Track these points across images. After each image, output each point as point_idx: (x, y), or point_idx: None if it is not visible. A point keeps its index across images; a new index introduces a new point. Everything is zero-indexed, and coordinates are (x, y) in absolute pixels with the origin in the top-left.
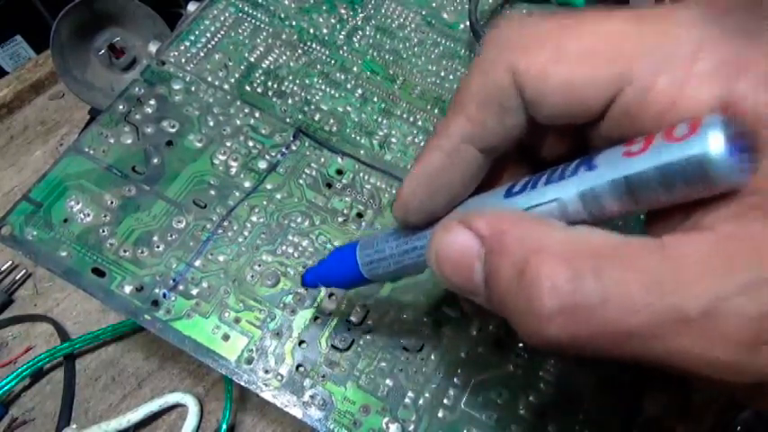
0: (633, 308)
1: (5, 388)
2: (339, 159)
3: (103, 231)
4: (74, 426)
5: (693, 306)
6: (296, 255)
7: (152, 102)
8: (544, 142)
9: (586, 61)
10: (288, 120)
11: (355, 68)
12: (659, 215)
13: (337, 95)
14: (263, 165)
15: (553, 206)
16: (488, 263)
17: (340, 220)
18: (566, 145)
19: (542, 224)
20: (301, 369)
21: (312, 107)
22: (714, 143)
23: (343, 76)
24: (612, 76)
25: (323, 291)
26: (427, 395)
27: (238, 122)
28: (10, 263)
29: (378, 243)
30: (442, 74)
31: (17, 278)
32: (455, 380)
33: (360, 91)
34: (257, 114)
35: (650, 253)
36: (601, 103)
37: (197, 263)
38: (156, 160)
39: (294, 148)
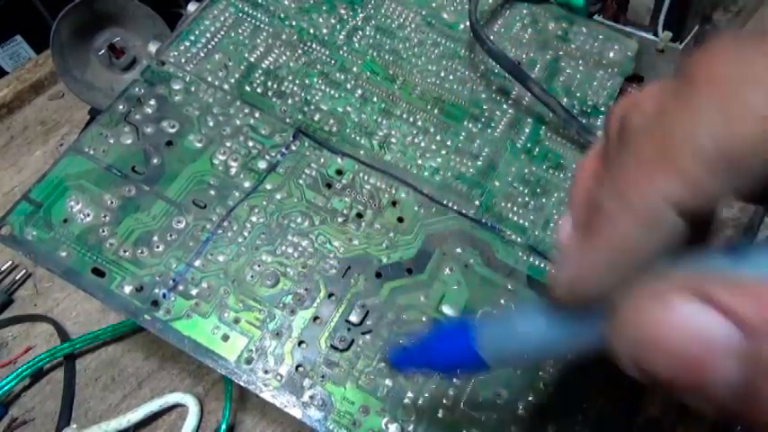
0: None
1: (5, 388)
2: (339, 159)
3: (103, 231)
4: (74, 426)
5: None
6: (296, 255)
7: (152, 102)
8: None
9: None
10: (288, 120)
11: (355, 69)
12: None
13: (337, 96)
14: (262, 165)
15: None
16: (759, 364)
17: (340, 220)
18: None
19: None
20: (301, 369)
21: (312, 107)
22: None
23: (342, 77)
24: None
25: (323, 291)
26: (427, 395)
27: (238, 122)
28: (10, 263)
29: (515, 325)
30: (442, 74)
31: (17, 278)
32: (454, 380)
33: (360, 91)
34: (257, 114)
35: None
36: None
37: (197, 263)
38: (155, 160)
39: (294, 148)
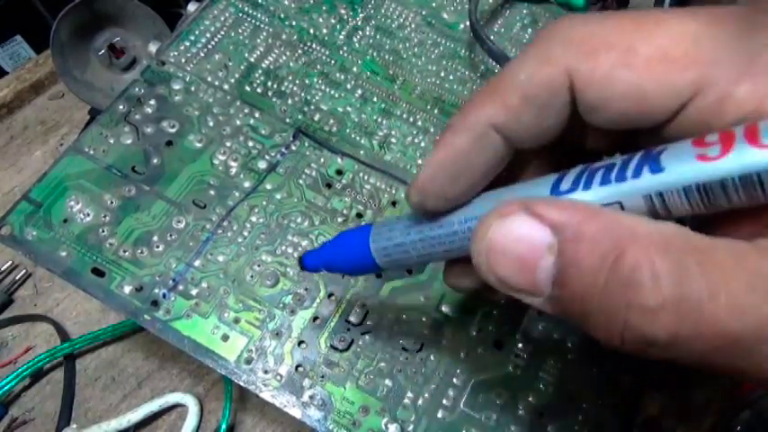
0: (742, 308)
1: (5, 388)
2: (339, 159)
3: (103, 231)
4: (74, 426)
5: None
6: (295, 255)
7: (152, 102)
8: (581, 138)
9: (658, 66)
10: (287, 120)
11: (355, 69)
12: (726, 219)
13: (337, 96)
14: (262, 165)
15: (616, 208)
16: (566, 255)
17: (340, 220)
18: (608, 141)
19: (626, 214)
20: (300, 369)
21: (312, 107)
22: None
23: (342, 77)
24: (687, 82)
25: (322, 291)
26: (426, 395)
27: (238, 122)
28: (10, 263)
29: (394, 229)
30: (442, 74)
31: (17, 278)
32: (454, 380)
33: (360, 91)
34: (257, 114)
35: (749, 252)
36: (671, 110)
37: (196, 263)
38: (155, 160)
39: (294, 148)
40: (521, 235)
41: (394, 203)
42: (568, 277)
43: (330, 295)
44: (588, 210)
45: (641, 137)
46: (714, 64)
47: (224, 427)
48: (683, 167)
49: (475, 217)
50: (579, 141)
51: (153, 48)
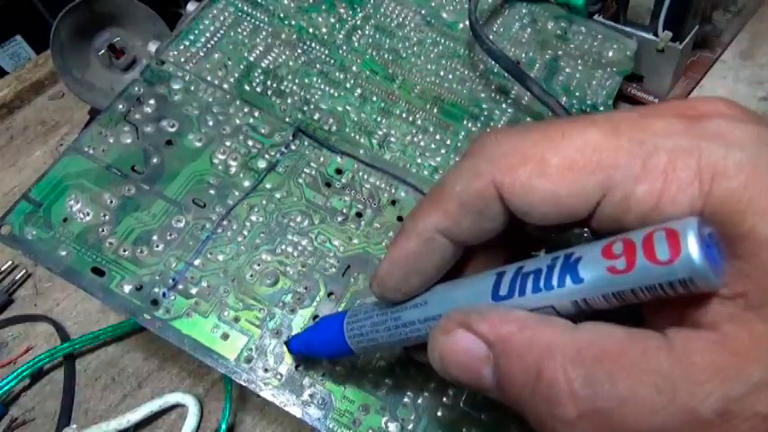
0: (648, 410)
1: (5, 388)
2: (338, 158)
3: (103, 230)
4: (74, 426)
5: (707, 407)
6: (295, 254)
7: (152, 101)
8: (523, 229)
9: (568, 174)
10: (287, 119)
11: (354, 68)
12: (654, 306)
13: (336, 95)
14: (262, 164)
15: (550, 311)
16: (500, 367)
17: (339, 219)
18: (546, 231)
19: (547, 324)
20: (300, 368)
21: (311, 106)
22: (698, 261)
23: (342, 76)
24: (594, 186)
25: (322, 290)
26: (426, 394)
27: (238, 122)
28: (10, 263)
29: (362, 316)
30: (442, 73)
31: (17, 278)
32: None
33: (359, 90)
34: (256, 114)
35: (658, 351)
36: (586, 210)
37: (196, 262)
38: (155, 159)
39: (293, 147)
40: (462, 348)
41: (393, 202)
42: (504, 385)
43: (330, 294)
44: (515, 322)
45: (573, 225)
46: (615, 168)
47: (224, 427)
48: (597, 280)
49: (428, 313)
50: (521, 231)
51: (153, 47)
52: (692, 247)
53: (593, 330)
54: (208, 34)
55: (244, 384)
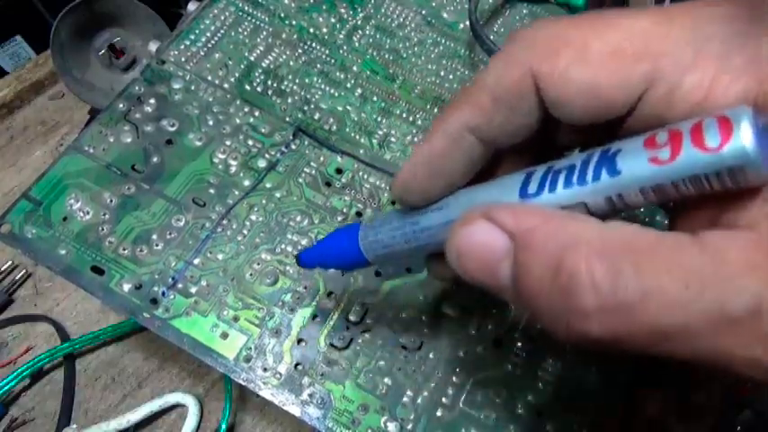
0: (674, 305)
1: (5, 388)
2: (338, 158)
3: (103, 229)
4: (74, 426)
5: (738, 304)
6: (295, 253)
7: (152, 101)
8: (556, 134)
9: (612, 61)
10: (287, 119)
11: (355, 68)
12: (685, 211)
13: (337, 95)
14: (262, 163)
15: (581, 208)
16: (518, 260)
17: (339, 218)
18: (580, 136)
19: (574, 219)
20: (300, 367)
21: (312, 106)
22: (751, 148)
23: (342, 76)
24: (639, 75)
25: (322, 289)
26: (426, 394)
27: (238, 121)
28: (10, 263)
29: (380, 226)
30: (442, 73)
31: (17, 278)
32: (454, 379)
33: (359, 90)
34: (257, 113)
35: (689, 248)
36: (627, 103)
37: (196, 261)
38: (155, 159)
39: (294, 146)
40: (482, 240)
41: (393, 202)
42: (521, 280)
43: (330, 293)
44: (541, 215)
45: (608, 131)
46: (663, 57)
47: (224, 427)
48: (637, 171)
49: (449, 216)
50: (553, 137)
51: (153, 47)
52: (746, 132)
53: (623, 227)
54: (208, 34)
55: (243, 383)
